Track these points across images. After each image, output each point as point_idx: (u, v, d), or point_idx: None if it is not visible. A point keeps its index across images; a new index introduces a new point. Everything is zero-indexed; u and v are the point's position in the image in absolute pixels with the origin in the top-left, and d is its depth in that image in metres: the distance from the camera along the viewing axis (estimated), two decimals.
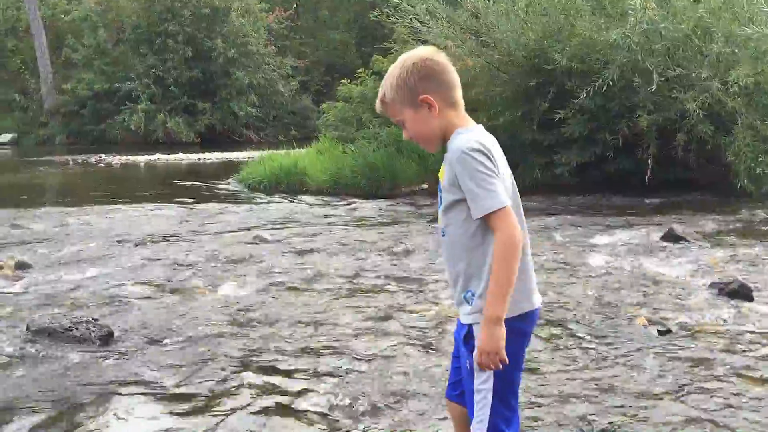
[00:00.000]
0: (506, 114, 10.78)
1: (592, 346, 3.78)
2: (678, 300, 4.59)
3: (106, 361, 3.63)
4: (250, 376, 3.39)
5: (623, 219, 8.05)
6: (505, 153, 7.93)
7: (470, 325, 1.90)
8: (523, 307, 1.90)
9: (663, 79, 9.37)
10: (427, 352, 3.69)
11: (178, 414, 2.99)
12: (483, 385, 1.88)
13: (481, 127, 1.97)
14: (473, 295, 1.88)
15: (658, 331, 3.95)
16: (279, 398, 3.13)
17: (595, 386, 3.23)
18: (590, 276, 5.31)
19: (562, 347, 3.76)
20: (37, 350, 3.76)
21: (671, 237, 6.56)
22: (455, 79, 1.96)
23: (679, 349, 3.69)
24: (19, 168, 17.15)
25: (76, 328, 3.94)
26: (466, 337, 1.92)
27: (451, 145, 1.89)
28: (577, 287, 4.97)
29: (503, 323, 1.78)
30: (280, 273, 5.56)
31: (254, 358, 3.64)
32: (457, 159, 1.83)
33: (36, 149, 24.74)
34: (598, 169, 10.60)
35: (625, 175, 10.34)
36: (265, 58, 28.01)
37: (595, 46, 9.97)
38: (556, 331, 4.03)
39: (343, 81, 13.76)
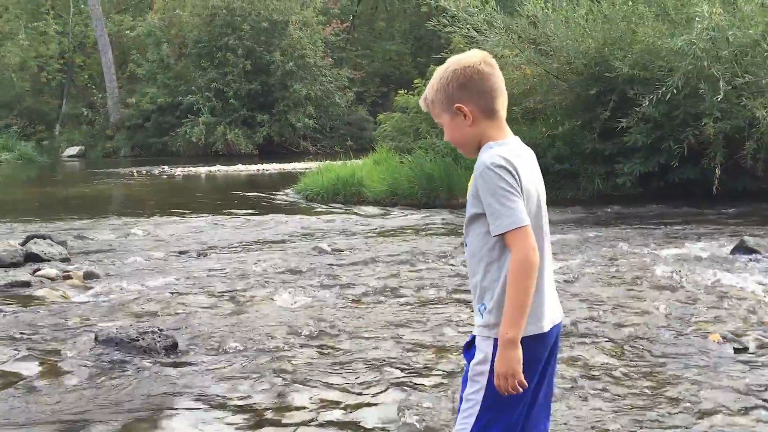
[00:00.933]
0: (566, 123, 10.63)
1: (664, 363, 3.65)
2: (753, 316, 4.40)
3: (171, 371, 3.68)
4: (312, 389, 3.38)
5: (690, 230, 7.80)
6: (564, 163, 7.84)
7: (474, 336, 1.90)
8: (530, 329, 1.82)
9: (730, 86, 9.07)
10: None
11: (241, 427, 3.00)
12: (474, 395, 1.86)
13: (516, 139, 1.95)
14: (485, 308, 1.86)
15: (734, 348, 3.78)
16: (342, 412, 3.11)
17: (668, 406, 3.10)
18: (658, 289, 5.14)
19: (631, 364, 3.64)
20: (104, 360, 3.83)
21: (743, 249, 6.32)
22: (497, 88, 1.93)
23: (759, 368, 3.52)
24: (86, 179, 17.72)
25: (142, 339, 4.01)
26: (469, 345, 1.92)
27: (479, 157, 1.88)
28: (645, 301, 4.81)
29: (519, 345, 1.77)
30: (339, 284, 5.56)
31: (316, 371, 3.63)
32: (480, 173, 1.82)
33: (102, 161, 25.57)
34: (662, 179, 10.34)
35: (691, 184, 10.05)
36: (322, 70, 28.31)
37: (659, 53, 9.74)
38: (625, 347, 3.90)
39: (399, 92, 13.80)
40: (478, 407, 1.84)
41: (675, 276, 5.52)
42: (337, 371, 3.61)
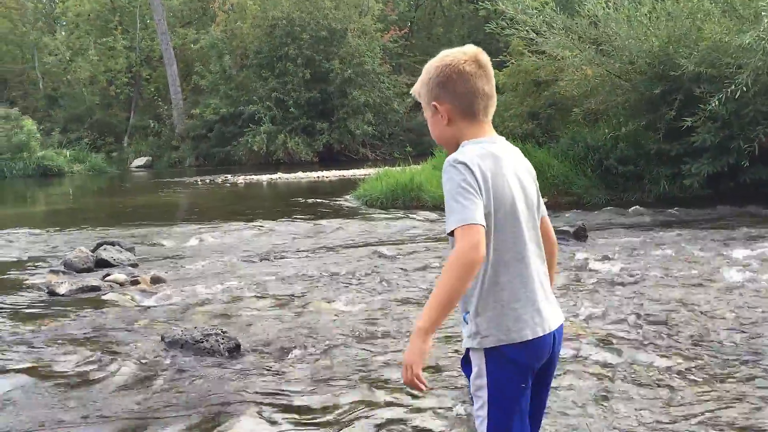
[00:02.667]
0: (629, 124, 10.40)
1: (734, 365, 3.52)
2: None
3: (234, 372, 3.75)
4: (371, 389, 3.39)
5: (762, 231, 7.50)
6: (628, 164, 7.68)
7: (468, 349, 1.84)
8: (513, 337, 1.77)
9: None
10: None
11: (302, 425, 3.03)
12: (479, 411, 1.81)
13: (499, 139, 1.86)
14: (468, 317, 1.82)
15: None
16: (400, 412, 3.11)
17: (738, 408, 2.99)
18: (730, 291, 4.96)
19: (700, 366, 3.52)
20: (170, 361, 3.94)
21: None
22: (478, 90, 1.84)
23: None
24: (153, 189, 18.26)
25: (206, 340, 4.10)
26: (466, 359, 1.87)
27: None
28: (717, 303, 4.66)
29: (429, 338, 1.69)
30: (399, 288, 5.57)
31: (375, 372, 3.64)
32: (444, 169, 1.77)
33: (168, 171, 26.27)
34: (732, 180, 9.99)
35: (763, 185, 9.68)
36: (380, 77, 28.42)
37: (727, 50, 9.41)
38: (694, 349, 3.78)
39: None
40: (486, 424, 1.80)
41: (747, 277, 5.32)
42: (395, 372, 3.61)
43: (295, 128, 26.90)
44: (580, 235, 7.38)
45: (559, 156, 10.81)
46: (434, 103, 1.87)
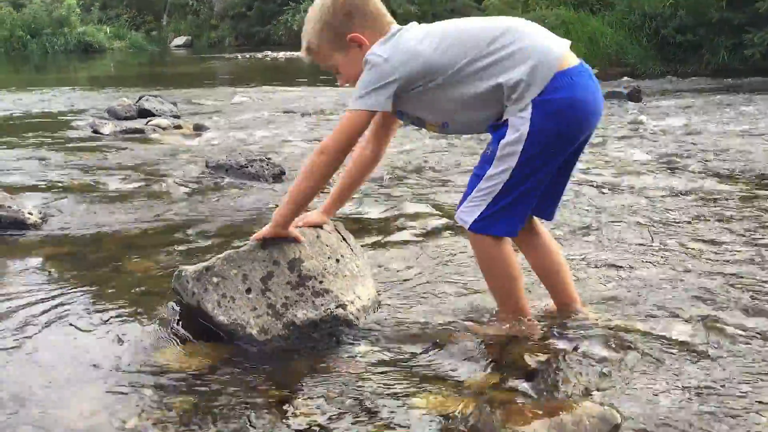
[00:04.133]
0: None
1: None
2: None
3: (278, 192, 3.71)
4: (417, 204, 3.33)
5: None
6: (687, 33, 7.40)
7: (506, 119, 1.72)
8: (553, 65, 1.67)
9: None
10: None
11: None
12: (500, 175, 1.71)
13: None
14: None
15: None
16: (445, 222, 3.05)
17: None
18: None
19: (745, 195, 3.39)
20: (215, 183, 3.92)
21: None
22: (377, 1, 1.80)
23: None
24: (193, 62, 18.08)
25: (251, 165, 4.06)
26: (498, 126, 1.73)
27: None
28: None
29: (285, 229, 1.87)
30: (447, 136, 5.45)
31: (427, 196, 3.57)
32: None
33: (208, 50, 25.95)
34: None
35: None
36: None
37: None
38: (744, 181, 3.64)
39: None
40: (500, 187, 1.71)
41: None
42: (438, 192, 3.56)
43: None
44: (635, 96, 7.08)
45: (613, 24, 10.28)
46: (352, 35, 1.77)
